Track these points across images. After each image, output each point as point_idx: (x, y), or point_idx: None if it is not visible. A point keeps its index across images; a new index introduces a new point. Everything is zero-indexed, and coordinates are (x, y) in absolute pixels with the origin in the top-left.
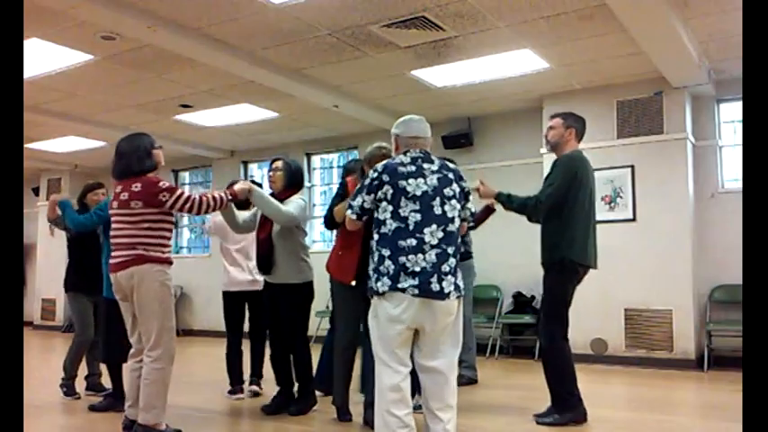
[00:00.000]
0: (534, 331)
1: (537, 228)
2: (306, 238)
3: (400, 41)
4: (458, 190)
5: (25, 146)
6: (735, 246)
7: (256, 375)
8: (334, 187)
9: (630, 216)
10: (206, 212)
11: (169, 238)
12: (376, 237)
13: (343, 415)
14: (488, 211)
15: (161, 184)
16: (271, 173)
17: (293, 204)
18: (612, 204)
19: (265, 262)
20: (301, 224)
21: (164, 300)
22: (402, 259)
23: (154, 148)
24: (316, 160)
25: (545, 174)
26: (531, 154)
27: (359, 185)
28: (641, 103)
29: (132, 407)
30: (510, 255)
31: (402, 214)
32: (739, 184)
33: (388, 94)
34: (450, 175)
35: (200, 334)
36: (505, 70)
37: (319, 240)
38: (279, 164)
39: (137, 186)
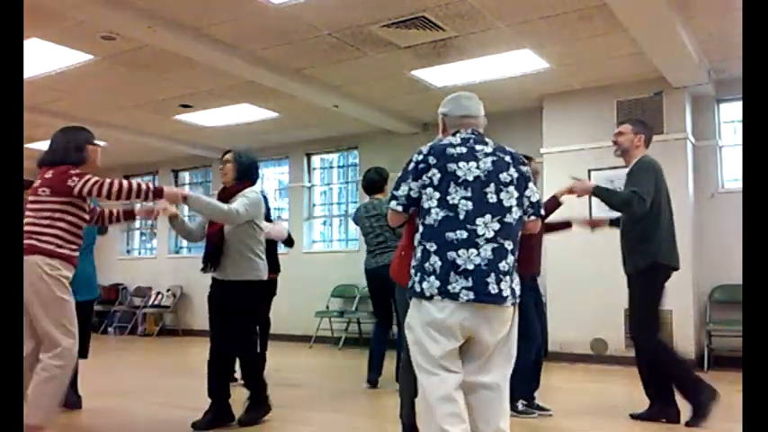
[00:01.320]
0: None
1: None
2: (261, 234)
3: (400, 41)
4: (516, 175)
5: (25, 146)
6: (735, 246)
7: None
8: (335, 187)
9: None
10: (118, 198)
11: (75, 234)
12: (420, 229)
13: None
14: (554, 203)
15: (72, 170)
16: (221, 166)
17: (240, 200)
18: None
19: (212, 258)
20: (255, 220)
21: (51, 293)
22: (452, 255)
23: (89, 143)
24: (316, 160)
25: (545, 174)
26: (530, 154)
27: (401, 173)
28: (641, 103)
29: None
30: None
31: (451, 202)
32: (739, 184)
33: (388, 94)
34: (507, 158)
35: (201, 334)
36: (505, 70)
37: (319, 240)
38: (228, 156)
39: (49, 173)
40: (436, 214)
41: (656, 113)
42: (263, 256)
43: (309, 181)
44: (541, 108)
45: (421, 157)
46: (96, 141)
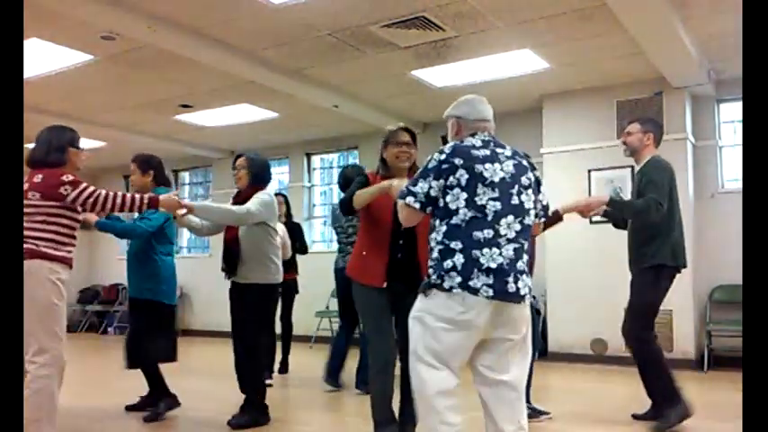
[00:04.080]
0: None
1: None
2: (277, 238)
3: (400, 41)
4: (533, 179)
5: (25, 146)
6: (735, 246)
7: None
8: (335, 187)
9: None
10: (112, 211)
11: (70, 236)
12: (444, 228)
13: None
14: (556, 218)
15: (65, 177)
16: (235, 171)
17: (252, 201)
18: None
19: (230, 263)
20: (269, 221)
21: (47, 299)
22: (476, 253)
23: (72, 146)
24: (316, 160)
25: (545, 174)
26: (530, 154)
27: (420, 169)
28: (641, 103)
29: None
30: None
31: (479, 203)
32: (739, 184)
33: (388, 94)
34: (525, 163)
35: (201, 334)
36: (505, 70)
37: (319, 240)
38: (241, 161)
39: (38, 177)
40: (464, 214)
41: (655, 113)
42: (278, 261)
43: (309, 181)
44: (541, 108)
45: (444, 157)
46: (80, 145)
